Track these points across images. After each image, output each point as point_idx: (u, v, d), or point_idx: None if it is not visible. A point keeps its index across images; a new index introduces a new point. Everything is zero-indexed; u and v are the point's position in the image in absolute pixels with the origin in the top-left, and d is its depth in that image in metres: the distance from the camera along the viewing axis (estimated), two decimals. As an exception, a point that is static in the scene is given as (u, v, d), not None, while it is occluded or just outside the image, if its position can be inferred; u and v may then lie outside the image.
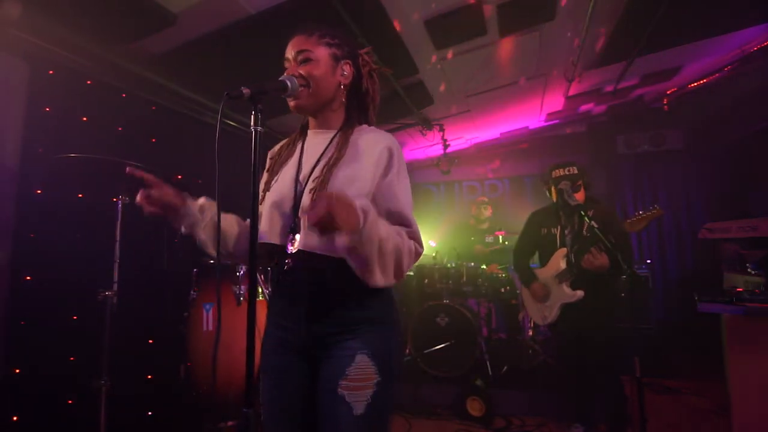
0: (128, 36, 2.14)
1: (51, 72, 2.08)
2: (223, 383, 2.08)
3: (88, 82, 2.28)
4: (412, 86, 3.32)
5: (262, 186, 1.09)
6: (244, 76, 2.80)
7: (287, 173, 1.05)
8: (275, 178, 1.06)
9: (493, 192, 5.63)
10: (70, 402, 1.91)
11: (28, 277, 1.93)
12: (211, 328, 2.06)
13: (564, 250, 2.37)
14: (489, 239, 4.28)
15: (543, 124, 5.13)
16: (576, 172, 2.37)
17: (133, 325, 2.09)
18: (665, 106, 4.45)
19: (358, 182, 0.98)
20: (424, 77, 3.25)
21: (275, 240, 1.01)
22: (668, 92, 4.41)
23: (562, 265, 2.35)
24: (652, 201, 4.73)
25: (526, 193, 5.51)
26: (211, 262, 2.20)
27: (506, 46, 2.97)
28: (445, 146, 4.24)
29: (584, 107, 4.69)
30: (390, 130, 4.26)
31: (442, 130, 4.11)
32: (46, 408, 1.88)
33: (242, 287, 2.11)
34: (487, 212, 4.39)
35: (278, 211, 1.01)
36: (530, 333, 3.76)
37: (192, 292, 2.14)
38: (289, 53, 1.04)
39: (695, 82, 4.13)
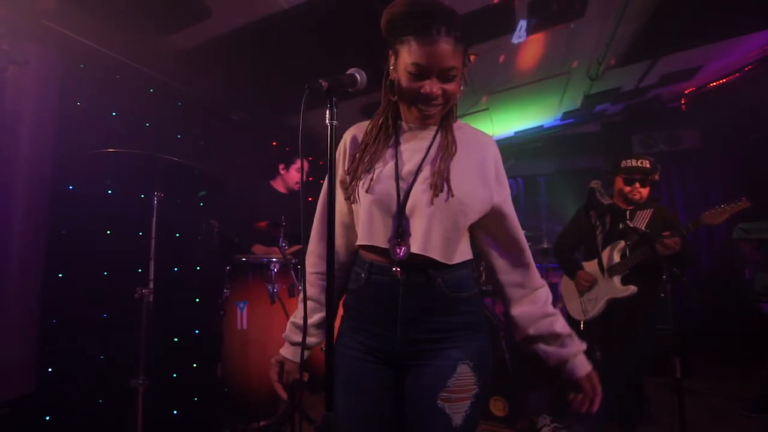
0: (163, 29, 2.11)
1: (82, 65, 2.04)
2: (256, 383, 2.05)
3: (117, 76, 2.25)
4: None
5: (340, 180, 1.01)
6: (271, 74, 2.79)
7: (384, 169, 0.94)
8: (372, 174, 0.93)
9: (506, 191, 5.60)
10: (105, 401, 1.88)
11: (61, 275, 1.90)
12: (245, 326, 2.03)
13: (621, 243, 2.25)
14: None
15: (558, 122, 5.11)
16: (648, 166, 2.23)
17: (167, 324, 2.06)
18: (683, 106, 4.43)
19: (477, 177, 0.94)
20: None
21: (379, 242, 0.92)
22: (686, 92, 4.39)
23: (617, 258, 2.25)
24: (670, 201, 4.72)
25: (539, 192, 5.49)
26: (243, 259, 2.17)
27: (533, 44, 2.94)
28: (463, 145, 4.21)
29: (600, 106, 4.67)
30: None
31: (459, 128, 4.07)
32: (81, 407, 1.86)
33: (276, 285, 2.08)
34: (502, 212, 4.36)
35: (381, 212, 0.92)
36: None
37: (225, 291, 2.11)
38: (433, 62, 0.86)
39: (714, 81, 4.11)
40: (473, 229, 1.00)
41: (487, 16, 2.55)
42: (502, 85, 3.65)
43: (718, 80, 4.10)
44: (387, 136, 0.98)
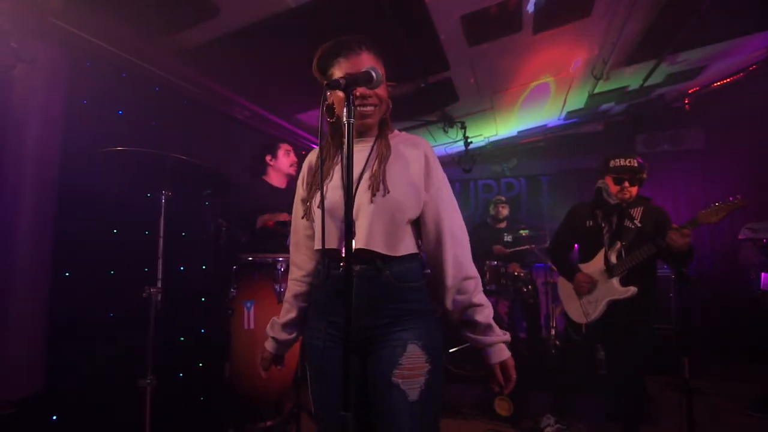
0: (171, 27, 2.09)
1: (89, 63, 2.03)
2: (262, 382, 2.04)
3: (123, 74, 2.24)
4: (439, 83, 3.28)
5: (301, 199, 1.17)
6: (278, 72, 2.78)
7: (332, 183, 1.09)
8: (323, 190, 1.06)
9: (509, 190, 5.62)
10: (112, 400, 1.88)
11: (68, 274, 1.89)
12: (252, 326, 2.02)
13: (618, 244, 2.25)
14: (507, 239, 4.26)
15: (561, 122, 5.10)
16: (636, 165, 2.24)
17: (174, 323, 2.05)
18: (687, 105, 4.42)
19: (409, 176, 1.07)
20: (453, 74, 3.22)
21: (333, 245, 1.05)
22: (690, 91, 4.39)
23: (614, 259, 2.25)
24: (673, 201, 4.72)
25: (542, 192, 5.49)
26: (250, 259, 2.16)
27: (539, 43, 2.94)
28: (467, 144, 4.21)
29: (604, 105, 4.66)
30: (412, 128, 4.25)
31: (463, 128, 4.07)
32: (88, 407, 1.85)
33: (283, 284, 2.08)
34: (505, 211, 4.36)
35: (332, 219, 1.05)
36: (553, 332, 3.75)
37: (232, 290, 2.11)
38: (359, 70, 1.00)
39: (719, 81, 4.11)
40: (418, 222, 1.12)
41: (498, 13, 2.54)
42: (508, 84, 3.64)
43: (723, 80, 4.10)
44: (333, 155, 1.14)
